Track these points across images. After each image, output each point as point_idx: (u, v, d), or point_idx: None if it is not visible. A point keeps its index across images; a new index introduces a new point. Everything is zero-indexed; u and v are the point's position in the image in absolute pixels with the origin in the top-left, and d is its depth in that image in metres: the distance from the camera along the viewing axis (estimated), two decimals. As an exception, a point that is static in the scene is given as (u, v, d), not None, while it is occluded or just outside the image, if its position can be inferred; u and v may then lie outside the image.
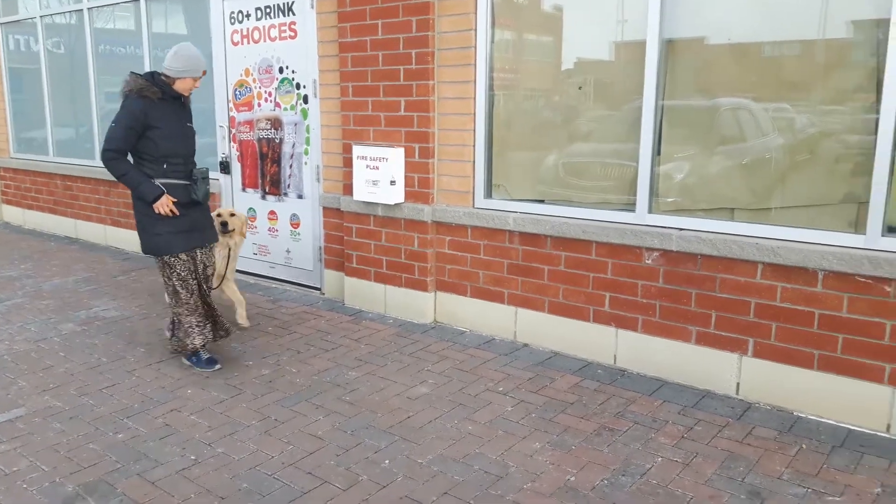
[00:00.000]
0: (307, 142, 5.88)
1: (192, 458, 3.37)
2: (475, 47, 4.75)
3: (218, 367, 4.42)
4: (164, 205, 4.15)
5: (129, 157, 4.18)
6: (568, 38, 4.55)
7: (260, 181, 6.34)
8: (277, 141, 6.10)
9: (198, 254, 4.39)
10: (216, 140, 6.59)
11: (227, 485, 3.14)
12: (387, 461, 3.32)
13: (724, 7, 3.88)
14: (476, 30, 4.73)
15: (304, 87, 5.80)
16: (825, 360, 3.65)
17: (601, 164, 4.49)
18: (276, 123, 6.07)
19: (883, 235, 3.48)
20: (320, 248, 5.99)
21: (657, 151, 4.17)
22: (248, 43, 6.15)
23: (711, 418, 3.71)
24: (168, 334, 4.76)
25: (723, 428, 3.60)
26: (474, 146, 4.88)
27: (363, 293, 5.58)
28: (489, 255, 4.89)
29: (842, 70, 3.62)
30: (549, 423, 3.67)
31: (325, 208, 5.84)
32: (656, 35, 4.03)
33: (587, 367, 4.40)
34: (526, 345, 4.78)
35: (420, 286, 5.23)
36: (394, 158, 5.08)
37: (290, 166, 6.06)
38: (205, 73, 4.25)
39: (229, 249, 5.16)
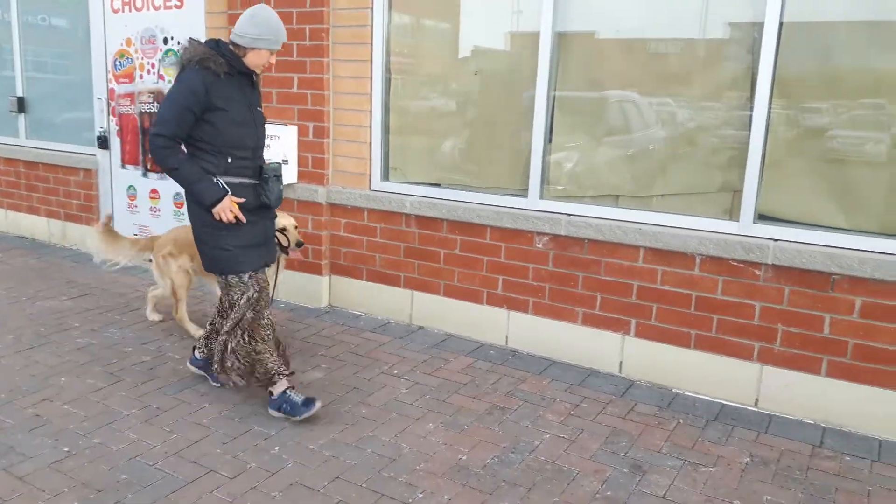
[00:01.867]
0: (194, 118, 5.60)
1: (66, 449, 3.15)
2: (371, 27, 4.67)
3: (320, 405, 3.49)
4: (227, 209, 3.28)
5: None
6: (465, 25, 4.56)
7: (141, 158, 5.99)
8: (161, 116, 5.78)
9: (266, 273, 3.59)
10: (93, 113, 6.16)
11: (104, 477, 2.96)
12: (276, 448, 3.23)
13: (614, 4, 4.01)
14: (373, 9, 4.65)
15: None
16: (701, 340, 3.87)
17: (496, 150, 4.54)
18: (160, 97, 5.74)
19: (755, 222, 3.71)
20: (208, 229, 5.73)
21: (549, 140, 4.27)
22: (130, 10, 5.77)
23: (596, 396, 3.86)
24: (196, 367, 3.88)
25: (607, 405, 3.76)
26: (371, 127, 4.82)
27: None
28: (386, 239, 4.85)
29: (720, 68, 3.83)
30: (442, 405, 3.70)
31: (213, 188, 5.59)
32: (549, 27, 4.11)
33: (480, 348, 4.47)
34: (421, 327, 4.80)
35: (314, 269, 5.12)
36: (286, 137, 4.93)
37: (176, 143, 5.76)
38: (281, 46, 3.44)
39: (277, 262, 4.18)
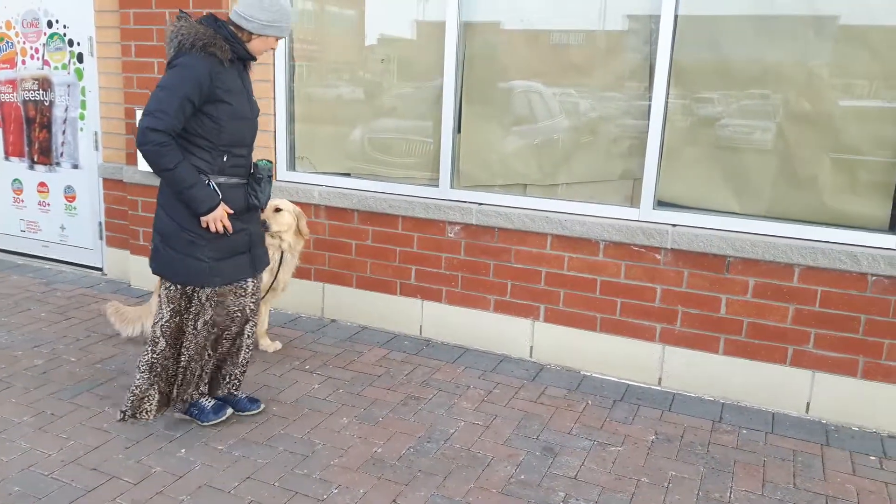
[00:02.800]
0: (83, 105, 5.28)
1: (-54, 465, 2.92)
2: (275, 12, 4.53)
3: (230, 411, 3.34)
4: (220, 218, 2.95)
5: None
6: (371, 13, 4.49)
7: (27, 149, 5.60)
8: (47, 104, 5.41)
9: (249, 285, 3.21)
10: (-31, 100, 5.70)
11: (-9, 492, 2.76)
12: (183, 450, 3.11)
13: (519, -9, 4.06)
14: (275, -6, 4.51)
15: (79, 44, 5.19)
16: (606, 323, 4.00)
17: (406, 139, 4.52)
18: (45, 84, 5.38)
19: (654, 208, 3.86)
20: (101, 223, 5.43)
21: (458, 130, 4.28)
22: (9, -10, 5.37)
23: (508, 381, 3.92)
24: (132, 396, 3.25)
25: (519, 389, 3.83)
26: (275, 115, 4.68)
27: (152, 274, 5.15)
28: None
29: (619, 59, 3.94)
30: (356, 398, 3.66)
31: (105, 179, 5.30)
32: (455, 17, 4.11)
33: (394, 339, 4.45)
34: (334, 321, 4.72)
35: (219, 264, 4.94)
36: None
37: (64, 132, 5.41)
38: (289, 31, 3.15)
39: (281, 256, 3.97)
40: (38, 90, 5.42)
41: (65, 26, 5.21)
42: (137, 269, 5.21)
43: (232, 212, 3.01)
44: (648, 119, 3.80)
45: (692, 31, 3.69)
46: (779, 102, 3.62)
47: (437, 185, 4.35)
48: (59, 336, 4.28)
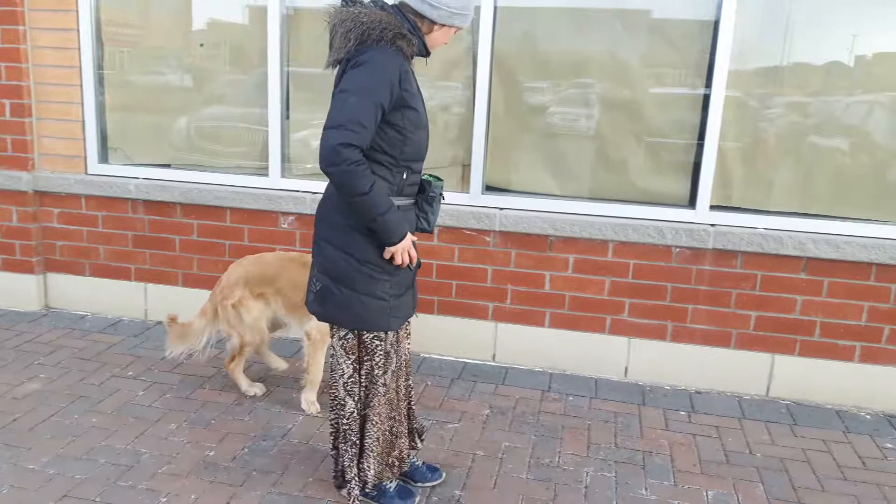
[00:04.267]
0: None
1: None
2: (75, -9, 4.16)
3: (417, 499, 2.75)
4: (408, 248, 2.44)
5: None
6: None
7: None
8: None
9: (409, 325, 2.75)
10: None
11: None
12: (-15, 475, 2.80)
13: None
14: (75, -29, 4.14)
15: None
16: (443, 305, 4.08)
17: (234, 128, 4.33)
18: None
19: (483, 193, 3.98)
20: None
21: (286, 117, 4.16)
22: None
23: (349, 371, 3.89)
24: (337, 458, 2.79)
25: (359, 379, 3.81)
26: (83, 104, 4.31)
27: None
28: (110, 228, 4.40)
29: (445, 48, 3.99)
30: (185, 401, 3.47)
31: None
32: (278, 1, 3.98)
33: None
34: (159, 322, 4.44)
35: (23, 268, 4.48)
36: (-24, 117, 4.22)
37: None
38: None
39: None
40: None
41: None
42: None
43: (416, 239, 2.52)
44: (474, 107, 3.90)
45: (512, 22, 3.83)
46: (594, 91, 3.86)
47: (266, 175, 4.21)
48: None
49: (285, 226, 4.17)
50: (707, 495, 2.90)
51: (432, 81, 4.03)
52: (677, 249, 3.75)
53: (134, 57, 4.36)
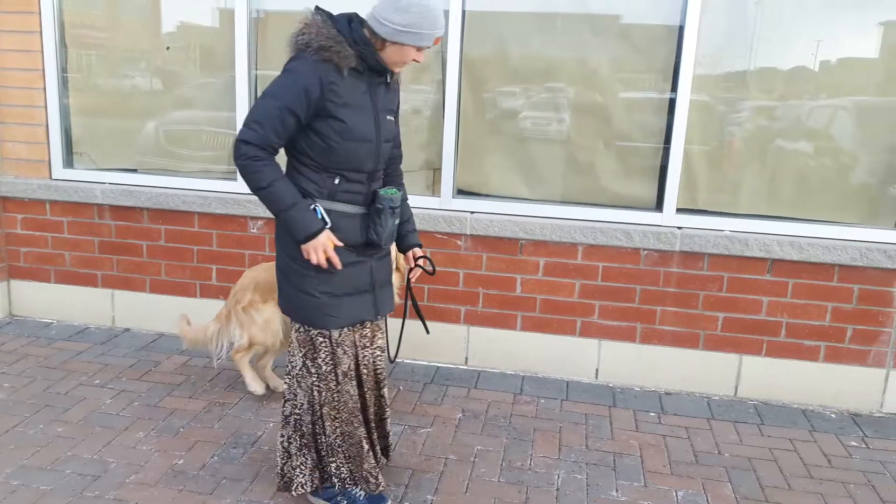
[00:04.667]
0: None
1: None
2: (38, -7, 4.09)
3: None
4: (321, 248, 2.44)
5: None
6: (164, 1, 4.18)
7: None
8: None
9: (371, 332, 2.72)
10: None
11: None
12: (-56, 488, 2.73)
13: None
14: (37, -28, 4.07)
15: None
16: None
17: (202, 132, 4.28)
18: None
19: (454, 197, 3.99)
20: None
21: (255, 119, 4.12)
22: None
23: (321, 377, 3.87)
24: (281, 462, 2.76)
25: (331, 384, 3.79)
26: (46, 108, 4.23)
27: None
28: (75, 234, 4.32)
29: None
30: (153, 409, 3.42)
31: None
32: (245, 4, 3.95)
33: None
34: (127, 329, 4.38)
35: (-14, 275, 4.39)
36: (-65, 121, 4.12)
37: None
38: (439, 39, 2.48)
39: None
40: None
41: None
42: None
43: (340, 244, 2.50)
44: (444, 111, 3.91)
45: (480, 27, 3.84)
46: (564, 95, 3.88)
47: (235, 179, 4.17)
48: None
49: (254, 230, 4.14)
50: (677, 495, 2.93)
51: (403, 85, 4.02)
52: (645, 252, 3.79)
53: (100, 60, 4.29)
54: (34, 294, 4.46)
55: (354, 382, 2.64)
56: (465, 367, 4.07)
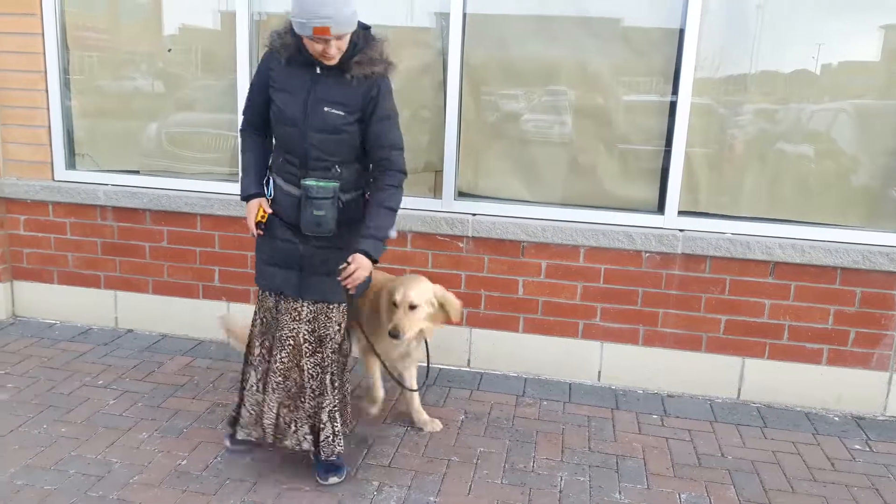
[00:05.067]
0: None
1: None
2: (40, -5, 4.10)
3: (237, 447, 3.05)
4: (249, 213, 2.82)
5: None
6: (168, 2, 4.19)
7: None
8: None
9: (303, 308, 2.81)
10: None
11: None
12: (-52, 488, 2.74)
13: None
14: (40, -25, 4.08)
15: None
16: (417, 312, 4.07)
17: (204, 133, 4.29)
18: None
19: (455, 199, 4.00)
20: None
21: (258, 121, 4.13)
22: None
23: (323, 378, 3.87)
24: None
25: (333, 386, 3.79)
26: (49, 109, 4.24)
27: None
28: (78, 235, 4.33)
29: (416, 55, 4.01)
30: (157, 410, 3.43)
31: None
32: (246, 7, 3.96)
33: (199, 345, 4.22)
34: (130, 330, 4.39)
35: (-11, 276, 4.40)
36: (-61, 122, 4.13)
37: None
38: (326, 31, 2.43)
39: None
40: None
41: None
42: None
43: (270, 211, 2.79)
44: (445, 113, 3.92)
45: (481, 29, 3.85)
46: (565, 98, 3.89)
47: (236, 181, 4.17)
48: None
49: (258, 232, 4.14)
50: (680, 498, 2.93)
51: (399, 87, 4.03)
52: (647, 254, 3.79)
53: (101, 62, 4.30)
54: (37, 295, 4.47)
55: (258, 342, 2.90)
56: (468, 369, 4.08)
